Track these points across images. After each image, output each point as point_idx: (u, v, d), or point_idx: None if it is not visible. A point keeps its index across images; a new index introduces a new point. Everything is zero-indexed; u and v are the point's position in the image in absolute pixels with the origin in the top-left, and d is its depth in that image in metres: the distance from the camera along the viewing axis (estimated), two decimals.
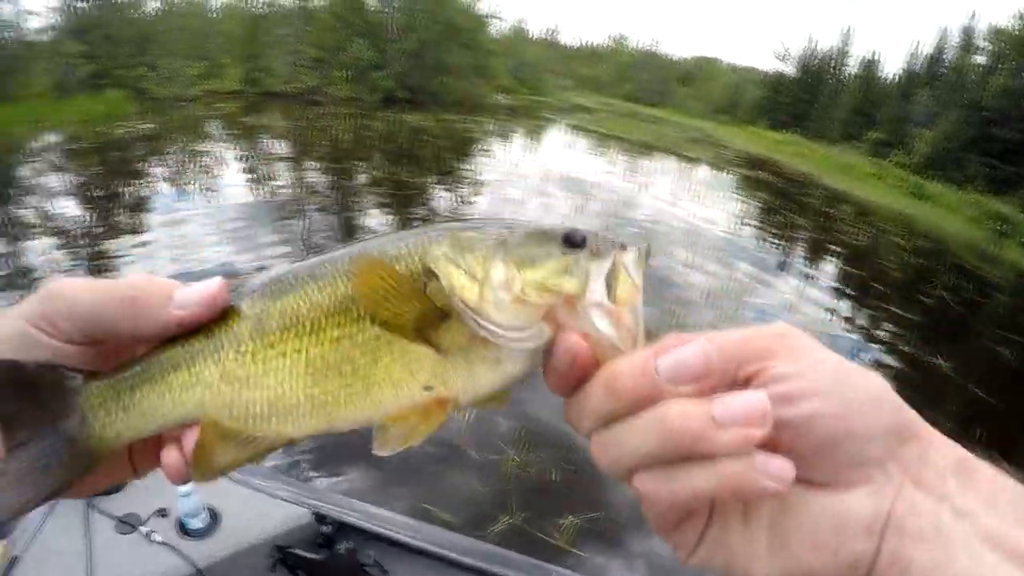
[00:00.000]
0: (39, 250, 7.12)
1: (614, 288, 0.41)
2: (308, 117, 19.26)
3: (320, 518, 2.02)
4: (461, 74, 27.87)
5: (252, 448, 0.43)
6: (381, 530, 2.04)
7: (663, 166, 19.63)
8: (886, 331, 8.18)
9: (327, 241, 8.07)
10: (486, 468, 3.90)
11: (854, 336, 7.81)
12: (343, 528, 2.03)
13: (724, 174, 20.43)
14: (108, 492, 1.85)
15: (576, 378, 0.39)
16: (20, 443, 0.41)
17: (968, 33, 35.40)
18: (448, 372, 0.42)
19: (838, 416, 0.33)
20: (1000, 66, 30.63)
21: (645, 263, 0.42)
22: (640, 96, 53.21)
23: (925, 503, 0.33)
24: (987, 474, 0.34)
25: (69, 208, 8.68)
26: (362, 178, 12.28)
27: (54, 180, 10.15)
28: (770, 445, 0.33)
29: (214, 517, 1.90)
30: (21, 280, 6.26)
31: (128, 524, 1.81)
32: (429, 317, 0.41)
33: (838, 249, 12.56)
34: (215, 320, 0.43)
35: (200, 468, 0.42)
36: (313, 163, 13.14)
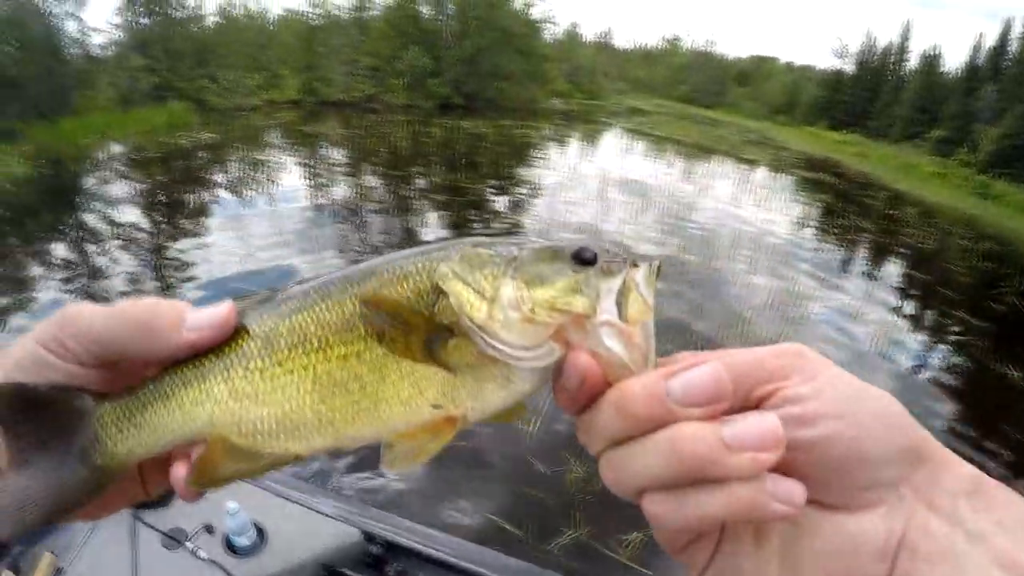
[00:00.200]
0: (108, 254, 7.47)
1: (625, 307, 0.40)
2: (366, 125, 19.76)
3: (369, 537, 1.94)
4: (516, 80, 28.16)
5: (256, 463, 0.43)
6: (434, 552, 1.94)
7: (721, 169, 19.23)
8: (954, 338, 7.84)
9: (385, 245, 8.18)
10: (550, 480, 3.80)
11: (921, 341, 7.54)
12: (393, 549, 1.96)
13: (784, 176, 19.89)
14: (154, 505, 1.81)
15: (586, 397, 0.38)
16: (31, 460, 0.41)
17: None
18: (457, 390, 0.41)
19: (852, 438, 0.33)
20: None
21: (656, 280, 0.41)
22: (696, 97, 52.46)
23: (938, 526, 0.33)
24: (1001, 497, 0.34)
25: (134, 214, 9.11)
26: (420, 183, 12.43)
27: (120, 188, 10.65)
28: (782, 466, 0.33)
29: (261, 535, 1.84)
30: (93, 285, 6.53)
31: (174, 539, 1.78)
32: (437, 336, 0.41)
33: (903, 251, 12.16)
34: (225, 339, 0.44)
35: (199, 479, 0.42)
36: (371, 168, 13.41)
